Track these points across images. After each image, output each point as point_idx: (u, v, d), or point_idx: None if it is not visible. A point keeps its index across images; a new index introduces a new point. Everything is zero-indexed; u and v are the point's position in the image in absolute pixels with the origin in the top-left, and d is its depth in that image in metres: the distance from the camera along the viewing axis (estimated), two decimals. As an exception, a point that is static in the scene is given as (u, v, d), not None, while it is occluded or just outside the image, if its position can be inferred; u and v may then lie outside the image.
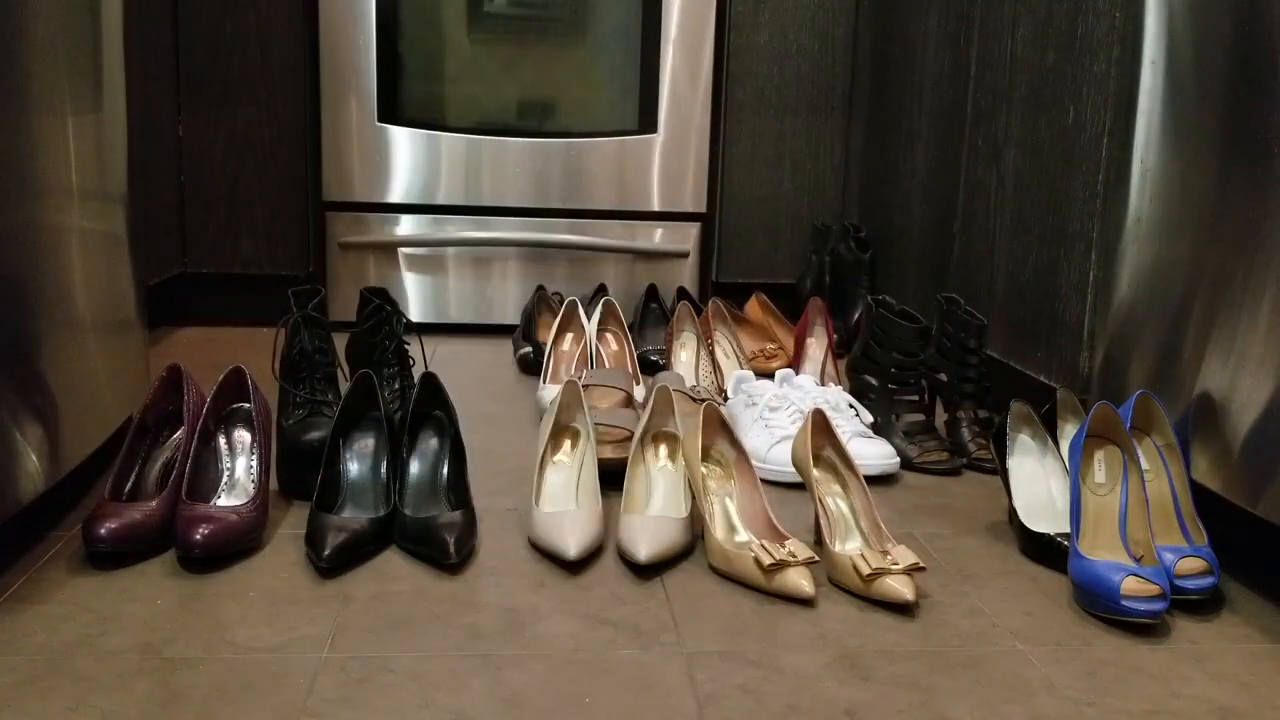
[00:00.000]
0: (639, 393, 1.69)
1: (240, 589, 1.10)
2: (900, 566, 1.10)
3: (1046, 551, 1.22)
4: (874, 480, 1.47)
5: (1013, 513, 1.29)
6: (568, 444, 1.37)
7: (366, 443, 1.30)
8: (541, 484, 1.30)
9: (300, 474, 1.32)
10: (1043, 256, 1.64)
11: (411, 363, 1.53)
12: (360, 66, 2.28)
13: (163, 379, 1.29)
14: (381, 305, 1.52)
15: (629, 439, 1.43)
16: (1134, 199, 1.34)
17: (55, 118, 1.20)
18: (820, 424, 1.25)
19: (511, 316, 2.41)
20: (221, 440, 1.29)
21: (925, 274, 2.10)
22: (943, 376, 1.61)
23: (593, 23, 2.36)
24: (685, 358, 1.91)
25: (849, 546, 1.18)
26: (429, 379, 1.33)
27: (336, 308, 2.34)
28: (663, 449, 1.35)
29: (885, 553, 1.12)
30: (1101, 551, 1.13)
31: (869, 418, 1.57)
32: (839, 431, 1.27)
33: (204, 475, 1.24)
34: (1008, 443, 1.31)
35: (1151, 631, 1.07)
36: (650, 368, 2.05)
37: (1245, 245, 1.12)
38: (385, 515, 1.21)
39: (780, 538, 1.15)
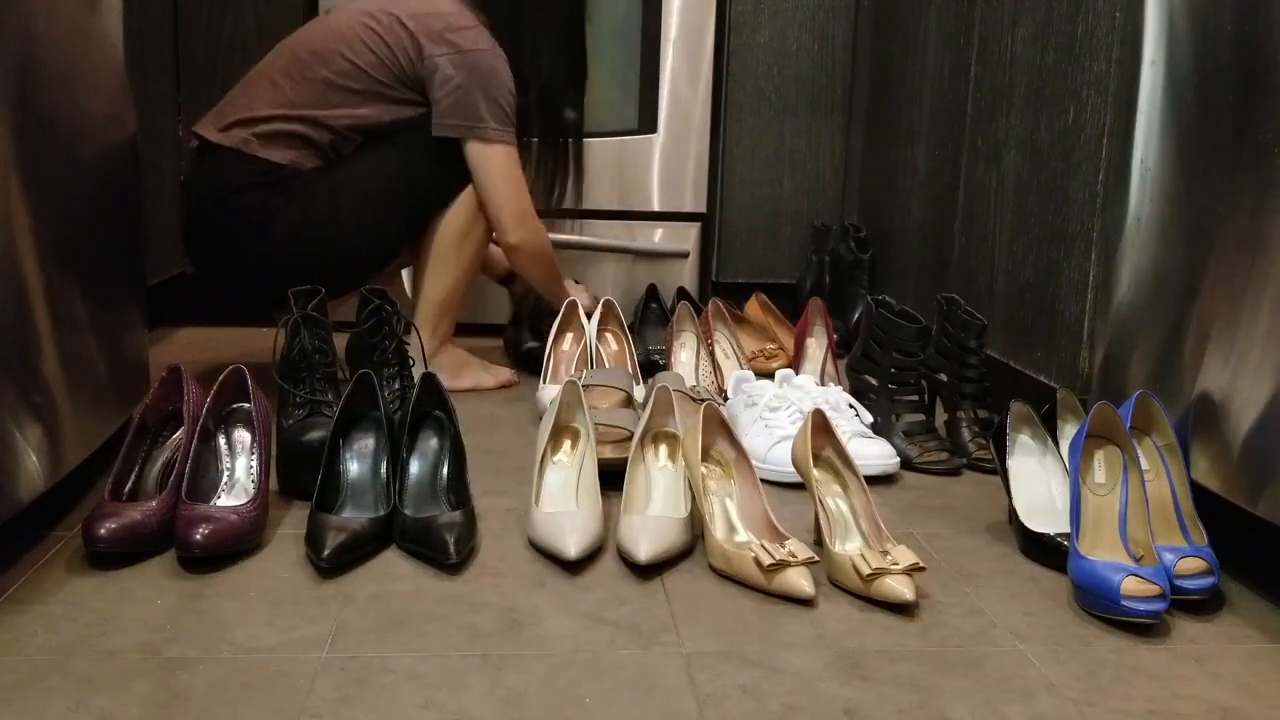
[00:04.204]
0: (639, 393, 1.69)
1: (240, 589, 1.10)
2: (900, 566, 1.10)
3: (1046, 551, 1.22)
4: (874, 480, 1.47)
5: (1013, 513, 1.29)
6: (568, 444, 1.37)
7: (366, 443, 1.30)
8: (541, 484, 1.30)
9: (300, 474, 1.32)
10: (1043, 256, 1.64)
11: (411, 362, 1.53)
12: (360, 66, 2.27)
13: (163, 379, 1.30)
14: (381, 305, 1.52)
15: (629, 439, 1.43)
16: (1134, 199, 1.34)
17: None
18: (820, 424, 1.25)
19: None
20: (221, 440, 1.29)
21: (925, 274, 2.10)
22: (943, 376, 1.61)
23: (592, 23, 2.35)
24: (685, 358, 1.91)
25: (849, 546, 1.18)
26: (429, 379, 1.33)
27: (336, 309, 2.33)
28: (663, 449, 1.35)
29: (885, 553, 1.12)
30: (1101, 551, 1.12)
31: (869, 418, 1.57)
32: (839, 431, 1.27)
33: (204, 475, 1.24)
34: (1008, 443, 1.31)
35: (1151, 631, 1.07)
36: (650, 368, 2.05)
37: (1245, 245, 1.12)
38: (385, 515, 1.21)
39: (780, 538, 1.15)
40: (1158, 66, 1.29)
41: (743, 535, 1.21)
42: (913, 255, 2.17)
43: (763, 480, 1.28)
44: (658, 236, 2.45)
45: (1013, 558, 1.25)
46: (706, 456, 1.28)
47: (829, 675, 0.96)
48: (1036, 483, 1.30)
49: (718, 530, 1.20)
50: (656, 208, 2.43)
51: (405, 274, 2.37)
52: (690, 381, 1.80)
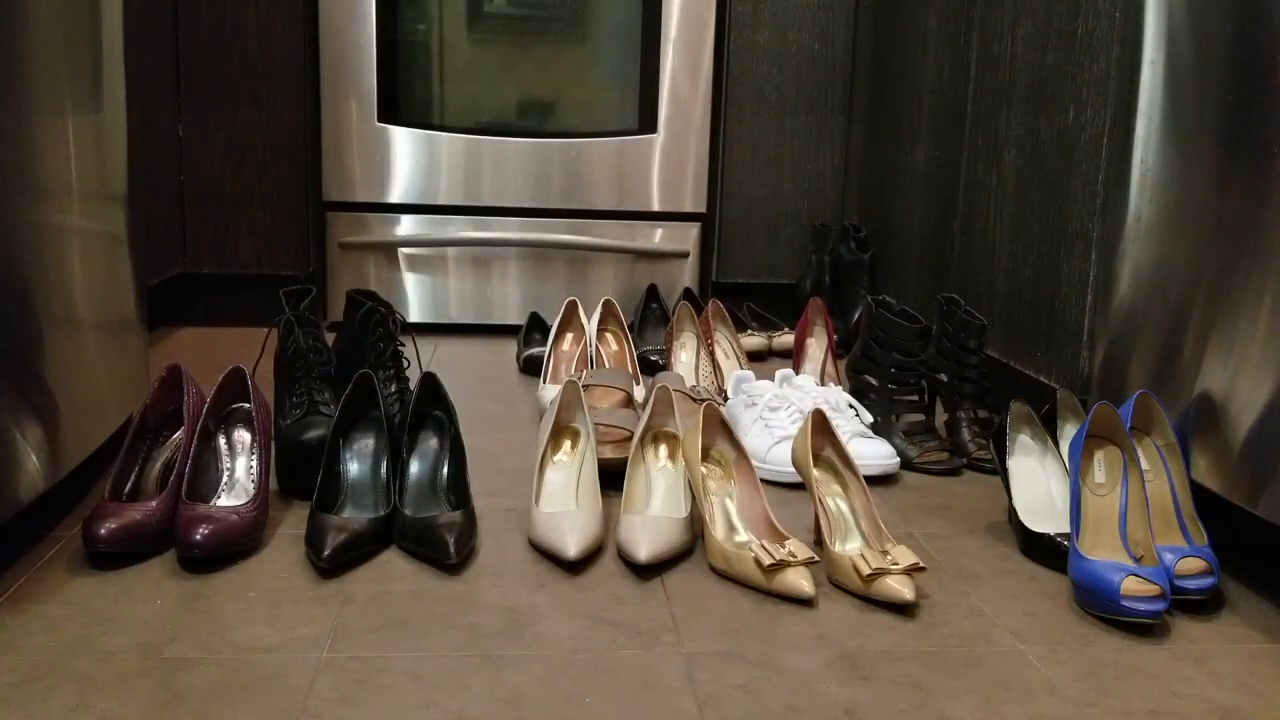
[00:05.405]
0: (639, 393, 1.69)
1: (240, 589, 1.10)
2: (900, 566, 1.10)
3: (1046, 551, 1.22)
4: (874, 480, 1.47)
5: (1013, 513, 1.29)
6: (568, 444, 1.37)
7: (366, 443, 1.30)
8: (541, 484, 1.30)
9: (300, 474, 1.32)
10: (1043, 256, 1.64)
11: (406, 364, 1.52)
12: (360, 66, 2.28)
13: (163, 379, 1.29)
14: (375, 308, 1.50)
15: (629, 439, 1.43)
16: (1134, 199, 1.34)
17: (55, 118, 1.20)
18: (820, 424, 1.25)
19: (512, 316, 2.41)
20: (221, 440, 1.29)
21: (925, 274, 2.10)
22: (943, 376, 1.61)
23: (593, 23, 2.36)
24: (685, 358, 1.91)
25: (849, 546, 1.18)
26: (429, 379, 1.33)
27: (337, 308, 2.34)
28: (663, 449, 1.35)
29: (885, 553, 1.12)
30: (1101, 551, 1.12)
31: (869, 418, 1.57)
32: (839, 431, 1.27)
33: (204, 475, 1.24)
34: (1008, 443, 1.31)
35: (1151, 631, 1.07)
36: (650, 368, 2.05)
37: (1245, 245, 1.12)
38: (385, 515, 1.21)
39: (780, 538, 1.15)
40: (1158, 66, 1.29)
41: (743, 535, 1.21)
42: (913, 255, 2.17)
43: (763, 480, 1.28)
44: (658, 236, 2.45)
45: (1013, 558, 1.24)
46: (706, 456, 1.28)
47: (829, 675, 0.96)
48: (1036, 483, 1.30)
49: (718, 530, 1.20)
50: (656, 208, 2.43)
51: (405, 273, 2.37)
52: (690, 381, 1.80)
